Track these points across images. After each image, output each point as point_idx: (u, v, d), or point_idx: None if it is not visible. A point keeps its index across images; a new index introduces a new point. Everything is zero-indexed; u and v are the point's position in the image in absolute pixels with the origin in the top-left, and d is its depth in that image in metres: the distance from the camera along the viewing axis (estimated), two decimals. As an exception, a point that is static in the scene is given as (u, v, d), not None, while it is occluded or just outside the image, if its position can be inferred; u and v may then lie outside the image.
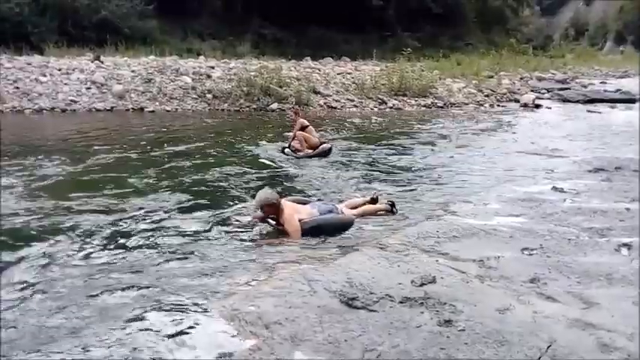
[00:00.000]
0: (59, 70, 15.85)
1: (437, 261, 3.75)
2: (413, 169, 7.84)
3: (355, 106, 16.88)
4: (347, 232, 4.77)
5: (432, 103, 17.67)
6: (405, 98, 17.71)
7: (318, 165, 7.88)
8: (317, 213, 4.81)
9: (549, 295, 3.23)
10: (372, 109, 16.68)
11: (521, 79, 23.74)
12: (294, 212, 4.69)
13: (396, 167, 7.94)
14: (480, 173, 7.49)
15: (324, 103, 16.73)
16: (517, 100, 18.60)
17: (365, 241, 4.44)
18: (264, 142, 9.61)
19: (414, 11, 36.13)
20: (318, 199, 5.40)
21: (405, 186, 6.72)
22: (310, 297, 3.25)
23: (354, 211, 5.09)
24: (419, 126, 12.99)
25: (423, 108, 17.11)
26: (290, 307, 3.14)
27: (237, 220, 5.00)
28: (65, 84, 15.12)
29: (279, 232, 4.69)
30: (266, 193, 4.66)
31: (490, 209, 5.18)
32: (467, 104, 17.99)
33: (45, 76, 15.32)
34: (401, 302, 3.13)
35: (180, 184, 6.50)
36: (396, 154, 8.96)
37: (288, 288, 3.38)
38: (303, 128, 8.60)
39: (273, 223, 4.73)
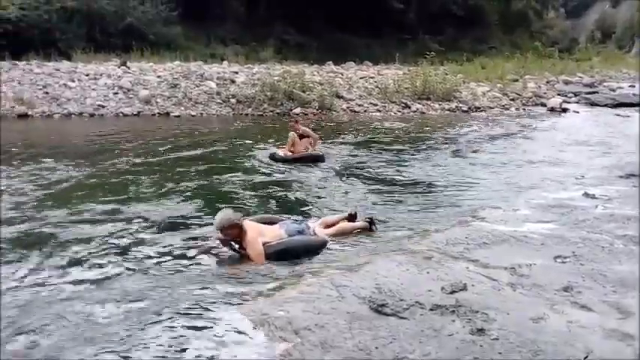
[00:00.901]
0: (87, 75, 16.21)
1: (467, 268, 3.70)
2: (436, 174, 7.74)
3: (378, 110, 16.83)
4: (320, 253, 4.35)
5: (457, 107, 17.52)
6: (428, 102, 17.62)
7: (325, 174, 7.61)
8: (284, 234, 4.38)
9: (584, 304, 3.15)
10: (395, 113, 16.62)
11: (547, 82, 23.35)
12: (258, 234, 4.22)
13: (419, 172, 7.84)
14: (507, 178, 7.38)
15: (347, 108, 16.73)
16: (544, 104, 18.31)
17: (392, 246, 4.40)
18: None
19: (436, 14, 35.95)
20: (291, 218, 4.86)
21: (428, 192, 6.64)
22: (339, 303, 3.23)
23: (328, 231, 4.66)
24: (443, 130, 12.88)
25: (447, 112, 16.97)
26: (319, 312, 3.12)
27: (203, 245, 4.47)
28: (93, 89, 15.44)
29: (243, 257, 4.21)
30: (226, 214, 4.21)
31: (520, 215, 5.09)
32: (492, 108, 17.79)
33: (73, 81, 15.68)
34: (431, 310, 3.09)
35: (191, 189, 6.48)
36: (417, 159, 8.90)
37: (316, 293, 3.36)
38: (301, 137, 8.43)
39: (237, 246, 4.26)
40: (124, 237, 4.72)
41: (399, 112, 16.80)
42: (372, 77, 20.14)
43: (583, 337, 2.76)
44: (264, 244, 4.16)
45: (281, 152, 8.39)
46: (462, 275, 3.54)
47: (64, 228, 4.90)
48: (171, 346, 2.78)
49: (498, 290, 3.35)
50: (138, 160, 8.32)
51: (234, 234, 4.18)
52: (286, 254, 4.18)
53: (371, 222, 4.84)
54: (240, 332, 2.98)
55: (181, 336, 2.89)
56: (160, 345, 2.79)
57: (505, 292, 3.32)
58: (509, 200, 5.85)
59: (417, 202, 6.06)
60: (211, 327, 3.01)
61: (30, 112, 13.86)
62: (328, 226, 4.73)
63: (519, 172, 7.76)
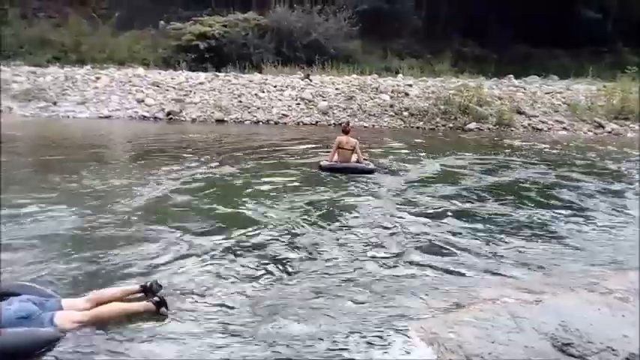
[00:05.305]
0: (275, 87, 17.75)
1: (675, 318, 3.18)
2: (628, 205, 6.65)
3: (565, 128, 15.42)
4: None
5: (663, 129, 15.23)
6: (627, 123, 15.60)
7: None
8: None
9: None
10: (585, 133, 15.06)
11: None
12: None
13: (602, 203, 6.82)
14: None
15: (529, 124, 15.64)
16: None
17: (580, 281, 3.97)
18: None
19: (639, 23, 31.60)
20: (28, 298, 3.14)
21: (612, 225, 5.76)
22: (516, 335, 3.03)
23: (82, 316, 3.10)
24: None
25: (650, 134, 14.83)
26: (493, 341, 2.97)
27: None
28: (279, 100, 16.85)
29: None
30: None
31: None
32: None
33: (263, 92, 17.30)
34: (627, 359, 2.73)
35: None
36: (606, 187, 7.82)
37: (490, 321, 3.20)
38: (340, 147, 8.05)
39: None
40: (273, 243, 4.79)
41: (590, 131, 15.18)
42: (559, 92, 18.49)
43: None
44: None
45: (325, 161, 8.21)
46: (668, 325, 3.06)
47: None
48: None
49: None
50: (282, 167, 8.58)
51: None
52: None
53: (160, 303, 3.31)
54: (408, 349, 2.97)
55: (347, 348, 2.98)
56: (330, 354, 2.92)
57: None
58: None
59: (602, 233, 5.36)
60: (378, 341, 3.05)
61: (226, 118, 15.66)
62: (98, 303, 3.27)
63: None
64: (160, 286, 3.53)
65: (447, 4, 30.52)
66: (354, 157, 8.11)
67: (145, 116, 15.65)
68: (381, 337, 3.07)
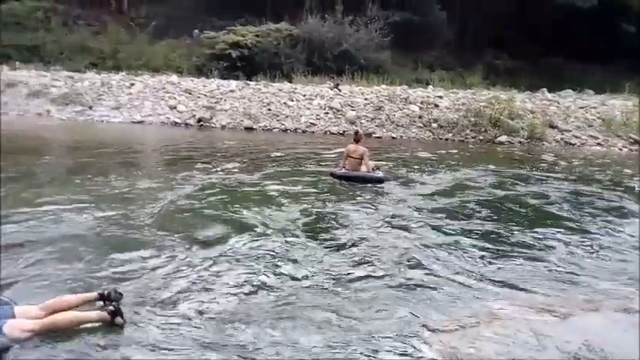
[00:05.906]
0: (304, 96, 17.85)
1: None
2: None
3: (599, 144, 15.04)
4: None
5: None
6: (664, 139, 15.13)
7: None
8: None
9: None
10: (620, 149, 14.65)
11: None
12: None
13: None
14: None
15: (561, 139, 15.32)
16: None
17: (605, 300, 3.84)
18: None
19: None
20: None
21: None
22: (538, 352, 2.96)
23: (35, 325, 3.01)
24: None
25: (689, 151, 14.32)
26: (514, 358, 2.91)
27: None
28: (307, 109, 16.94)
29: None
30: None
31: None
32: None
33: (292, 101, 17.42)
34: (655, 383, 2.63)
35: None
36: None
37: (512, 337, 3.14)
38: (348, 155, 8.01)
39: None
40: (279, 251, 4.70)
41: (625, 147, 14.75)
42: (594, 107, 18.02)
43: None
44: None
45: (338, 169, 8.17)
46: (701, 350, 2.93)
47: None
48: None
49: None
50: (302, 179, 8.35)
51: None
52: None
53: (115, 312, 3.17)
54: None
55: None
56: None
57: None
58: None
59: (632, 251, 5.17)
60: (395, 353, 3.01)
61: (254, 126, 15.83)
62: (55, 310, 3.17)
63: None
64: (120, 294, 3.39)
65: (481, 16, 30.25)
66: (363, 167, 8.05)
67: (176, 122, 15.94)
68: (397, 350, 3.03)
